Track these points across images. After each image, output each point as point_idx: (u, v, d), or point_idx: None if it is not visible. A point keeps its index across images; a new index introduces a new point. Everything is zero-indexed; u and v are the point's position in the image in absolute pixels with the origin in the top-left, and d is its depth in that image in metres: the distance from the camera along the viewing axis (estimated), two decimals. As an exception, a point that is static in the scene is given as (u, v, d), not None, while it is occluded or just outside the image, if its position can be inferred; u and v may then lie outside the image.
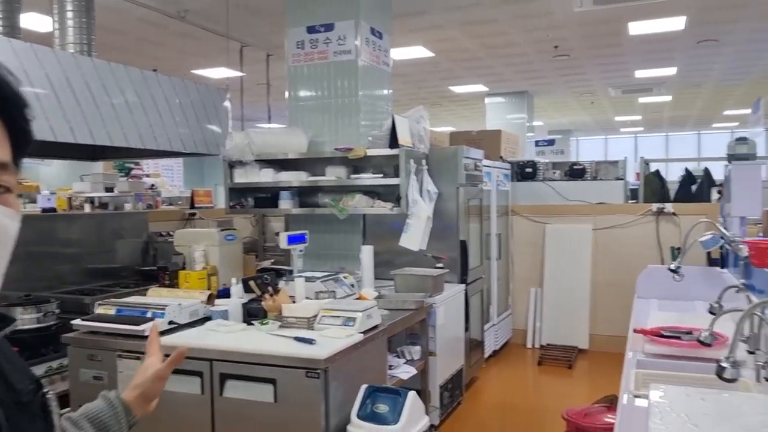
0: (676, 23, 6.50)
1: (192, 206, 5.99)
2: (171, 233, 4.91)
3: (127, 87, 3.85)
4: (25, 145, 0.79)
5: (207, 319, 3.18)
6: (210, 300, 3.32)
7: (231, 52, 6.58)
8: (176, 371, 2.98)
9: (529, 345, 6.42)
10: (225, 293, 3.44)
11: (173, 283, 3.64)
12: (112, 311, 3.09)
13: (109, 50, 7.13)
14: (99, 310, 3.15)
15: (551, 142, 11.99)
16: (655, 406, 1.86)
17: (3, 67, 0.75)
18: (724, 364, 1.50)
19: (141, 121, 4.05)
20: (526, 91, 10.73)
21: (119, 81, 3.71)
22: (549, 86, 10.36)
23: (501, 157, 6.49)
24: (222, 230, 3.87)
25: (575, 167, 6.80)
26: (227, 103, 5.26)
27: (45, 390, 0.88)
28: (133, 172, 6.65)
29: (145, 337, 2.82)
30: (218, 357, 2.72)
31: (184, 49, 7.33)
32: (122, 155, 5.57)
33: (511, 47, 7.49)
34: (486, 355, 5.64)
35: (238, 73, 7.16)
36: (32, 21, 5.66)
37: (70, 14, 3.81)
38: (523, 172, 6.81)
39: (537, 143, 11.67)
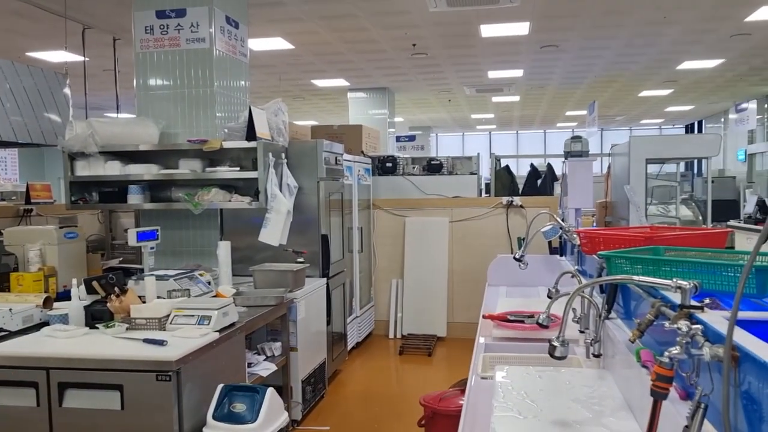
0: (521, 28, 6.96)
1: (27, 202, 5.44)
2: (2, 232, 4.44)
3: (-58, 68, 3.41)
4: None
5: (44, 324, 2.91)
6: (47, 303, 3.04)
7: (72, 34, 6.06)
8: (6, 383, 2.72)
9: (391, 335, 6.59)
10: (65, 296, 3.18)
11: (3, 287, 3.29)
12: (-75, 321, 2.73)
13: (-77, 26, 6.28)
14: None
15: (412, 138, 12.37)
16: (498, 385, 1.98)
17: None
18: (554, 343, 1.63)
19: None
20: (387, 87, 10.96)
21: (-67, 60, 3.28)
22: (409, 83, 10.66)
23: (362, 152, 6.58)
24: (61, 227, 3.56)
25: (432, 162, 7.06)
26: (67, 90, 4.86)
27: None
28: (-44, 164, 5.92)
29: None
30: (56, 365, 2.50)
31: (15, 29, 6.63)
32: (-59, 145, 4.95)
33: (370, 43, 7.60)
34: (349, 347, 5.70)
35: (80, 58, 6.61)
36: None
37: None
38: (384, 166, 6.96)
39: (398, 138, 11.98)
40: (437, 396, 3.30)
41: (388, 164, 6.97)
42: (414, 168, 7.10)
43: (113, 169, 4.15)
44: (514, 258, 3.57)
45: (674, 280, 1.34)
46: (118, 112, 6.92)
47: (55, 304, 3.05)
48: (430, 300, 6.47)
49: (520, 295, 3.71)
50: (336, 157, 5.12)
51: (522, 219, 6.29)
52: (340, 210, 5.40)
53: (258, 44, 7.23)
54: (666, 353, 1.15)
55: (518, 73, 9.84)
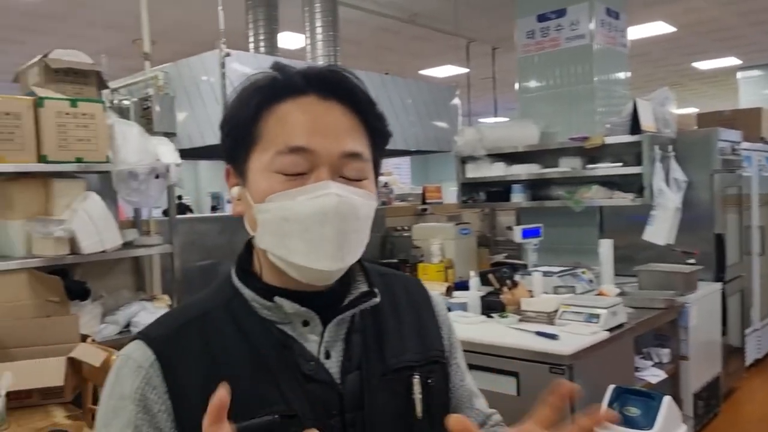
0: None
1: (423, 202, 6.22)
2: (405, 228, 5.16)
3: (368, 91, 4.15)
4: (381, 143, 0.92)
5: (446, 310, 3.27)
6: (448, 292, 3.42)
7: (457, 49, 6.71)
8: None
9: (803, 355, 5.52)
10: (461, 286, 3.53)
11: (413, 275, 3.82)
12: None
13: (349, 59, 7.73)
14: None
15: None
16: None
17: (354, 74, 0.89)
18: None
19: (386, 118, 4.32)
20: (792, 59, 9.24)
21: (362, 87, 4.00)
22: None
23: (762, 138, 5.67)
24: (457, 224, 3.97)
25: None
26: (456, 101, 5.39)
27: (415, 372, 0.93)
28: (369, 171, 7.12)
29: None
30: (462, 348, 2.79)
31: (413, 51, 7.66)
32: (361, 156, 6.00)
33: (772, 11, 6.51)
34: (747, 363, 4.98)
35: (464, 70, 7.27)
36: (287, 40, 6.37)
37: (319, 30, 4.21)
38: (792, 154, 5.86)
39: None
40: None
41: (800, 151, 5.85)
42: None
43: (498, 170, 4.44)
44: None
45: None
46: (495, 116, 7.40)
47: (454, 293, 3.41)
48: None
49: None
50: (732, 147, 4.52)
51: None
52: (737, 206, 4.75)
53: (634, 32, 6.87)
54: None
55: None
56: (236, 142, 0.88)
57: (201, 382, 0.81)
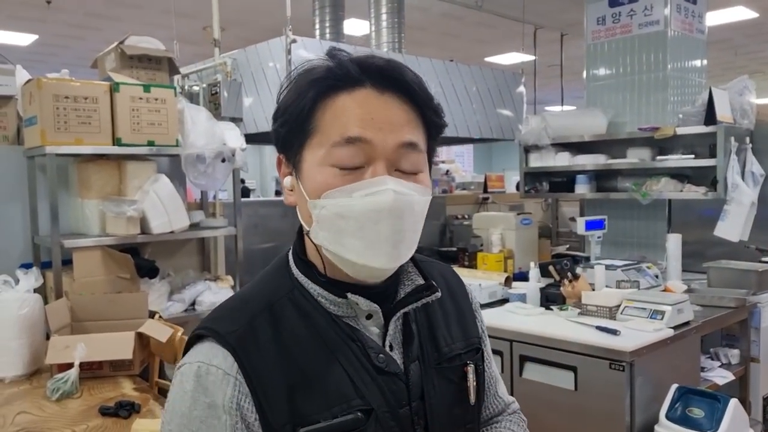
0: None
1: (485, 191, 6.16)
2: (466, 216, 5.12)
3: (432, 78, 4.13)
4: (436, 134, 0.92)
5: (504, 300, 3.25)
6: (507, 282, 3.38)
7: (524, 36, 6.57)
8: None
9: None
10: (521, 276, 3.48)
11: (472, 264, 3.80)
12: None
13: (413, 46, 7.69)
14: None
15: None
16: None
17: (408, 68, 0.88)
18: None
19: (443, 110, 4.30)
20: None
21: (426, 73, 3.98)
22: None
23: None
24: (518, 214, 3.91)
25: None
26: (522, 88, 5.29)
27: (467, 360, 0.97)
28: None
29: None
30: (518, 338, 2.76)
31: (478, 38, 7.55)
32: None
33: None
34: (825, 369, 4.71)
35: (530, 57, 7.11)
36: (352, 26, 6.40)
37: (384, 16, 4.21)
38: None
39: None
40: None
41: None
42: None
43: (563, 159, 4.34)
44: None
45: None
46: (562, 105, 7.22)
47: (513, 284, 3.37)
48: None
49: None
50: (818, 139, 4.26)
51: None
52: (820, 203, 4.48)
53: (713, 17, 6.54)
54: None
55: None
56: (291, 132, 0.87)
57: (282, 382, 0.81)
